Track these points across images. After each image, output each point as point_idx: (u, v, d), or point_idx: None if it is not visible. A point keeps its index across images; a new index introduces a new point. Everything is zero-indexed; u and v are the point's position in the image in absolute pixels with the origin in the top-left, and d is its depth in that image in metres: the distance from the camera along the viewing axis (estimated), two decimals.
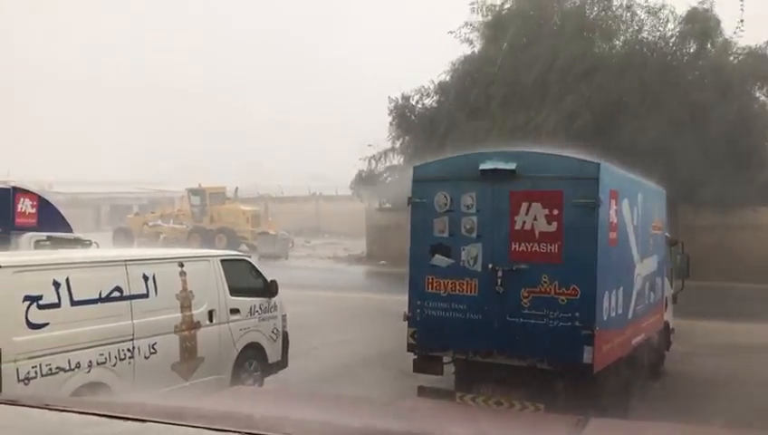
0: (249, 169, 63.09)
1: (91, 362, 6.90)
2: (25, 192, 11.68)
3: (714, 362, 12.25)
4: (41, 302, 6.60)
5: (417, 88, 29.55)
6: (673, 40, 26.41)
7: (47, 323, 6.62)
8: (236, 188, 40.61)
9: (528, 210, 7.31)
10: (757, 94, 26.92)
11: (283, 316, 9.76)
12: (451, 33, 28.71)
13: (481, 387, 7.73)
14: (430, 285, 7.79)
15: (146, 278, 7.60)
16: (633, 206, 8.52)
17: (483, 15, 28.29)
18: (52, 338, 6.61)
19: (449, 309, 7.68)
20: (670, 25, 26.31)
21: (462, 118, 26.24)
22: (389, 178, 31.37)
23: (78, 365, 6.78)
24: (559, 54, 24.90)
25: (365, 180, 32.78)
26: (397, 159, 31.15)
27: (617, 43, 27.15)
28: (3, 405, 2.69)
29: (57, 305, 6.73)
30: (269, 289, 9.51)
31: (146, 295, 7.57)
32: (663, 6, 26.22)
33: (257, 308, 9.25)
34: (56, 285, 6.75)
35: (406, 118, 29.72)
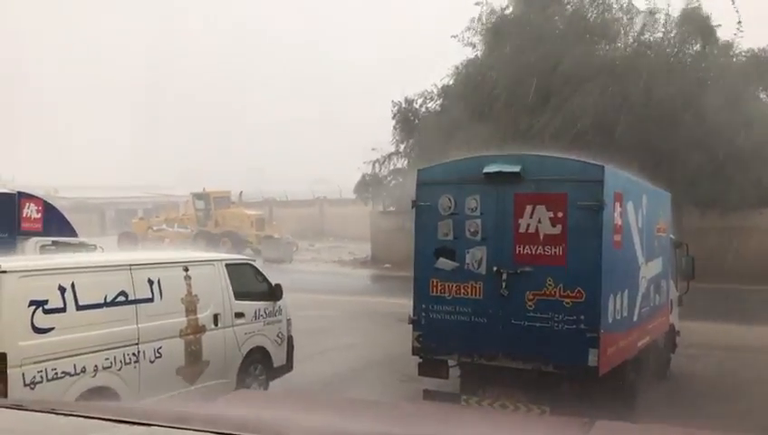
0: (253, 174, 63.13)
1: (96, 366, 6.91)
2: (31, 197, 11.72)
3: (720, 365, 12.22)
4: (46, 306, 6.63)
5: (420, 92, 29.63)
6: (673, 42, 26.41)
7: (53, 328, 6.65)
8: (241, 193, 40.68)
9: (532, 213, 7.31)
10: (761, 96, 26.90)
11: (288, 320, 9.77)
12: (454, 37, 28.76)
13: (486, 390, 7.73)
14: (435, 289, 7.78)
15: (151, 282, 7.62)
16: (638, 208, 8.50)
17: (483, 23, 28.35)
18: (57, 342, 6.63)
19: (454, 312, 7.67)
20: (669, 27, 26.32)
21: (465, 121, 26.25)
22: (393, 182, 31.43)
23: (83, 370, 6.80)
24: (562, 58, 24.91)
25: (369, 184, 32.85)
26: (401, 163, 31.22)
27: (619, 45, 27.17)
28: (9, 410, 2.70)
29: (63, 310, 6.75)
30: (274, 293, 9.52)
31: (151, 300, 7.59)
32: (659, 10, 26.29)
33: (262, 312, 9.26)
34: (62, 289, 6.77)
35: (409, 122, 29.77)
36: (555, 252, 7.24)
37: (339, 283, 25.97)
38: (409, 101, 29.75)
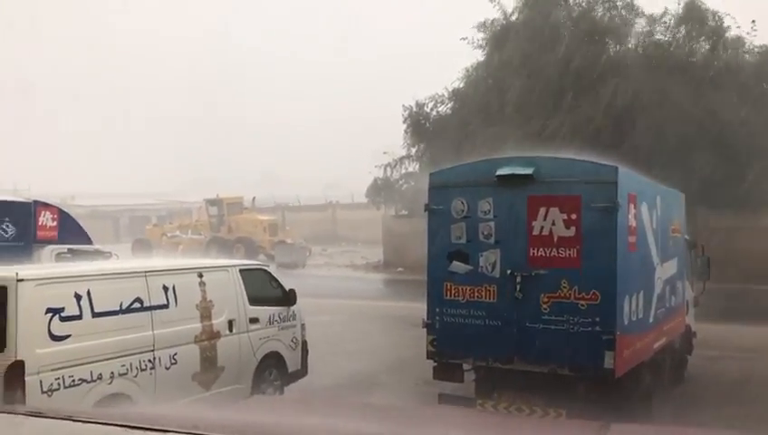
0: (266, 179, 63.40)
1: (112, 373, 6.94)
2: (46, 205, 11.80)
3: (736, 366, 12.11)
4: (63, 314, 6.67)
5: (431, 95, 29.62)
6: (683, 41, 26.27)
7: (69, 335, 6.69)
8: (254, 198, 40.80)
9: (546, 215, 7.28)
10: None
11: (302, 325, 9.78)
12: (464, 39, 28.74)
13: (502, 394, 7.70)
14: (449, 292, 7.76)
15: (166, 289, 7.65)
16: (652, 209, 8.46)
17: (489, 28, 28.31)
18: (74, 350, 6.67)
19: (468, 316, 7.65)
20: (677, 25, 26.18)
21: (477, 124, 26.24)
22: (405, 186, 31.45)
23: (100, 376, 6.83)
24: (572, 59, 24.84)
25: (381, 188, 32.89)
26: (412, 167, 31.24)
27: (629, 45, 27.07)
28: (28, 417, 2.72)
29: (79, 317, 6.79)
30: (288, 298, 9.53)
31: (166, 306, 7.62)
32: (668, 11, 26.19)
33: (276, 317, 9.28)
34: (77, 297, 6.81)
35: (420, 125, 29.77)
36: (569, 254, 7.21)
37: (352, 287, 25.98)
38: (420, 105, 29.75)
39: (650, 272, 8.58)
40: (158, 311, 7.50)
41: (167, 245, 37.03)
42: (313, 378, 9.86)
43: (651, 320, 8.47)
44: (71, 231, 11.60)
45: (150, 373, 7.31)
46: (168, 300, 7.64)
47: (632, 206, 7.61)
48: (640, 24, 26.87)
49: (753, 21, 25.18)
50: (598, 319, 7.10)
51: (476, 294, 7.61)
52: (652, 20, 26.64)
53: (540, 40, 25.97)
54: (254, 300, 8.87)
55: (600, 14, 27.19)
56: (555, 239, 7.26)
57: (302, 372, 9.71)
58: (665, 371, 9.48)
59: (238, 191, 41.16)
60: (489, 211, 7.59)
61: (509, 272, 7.45)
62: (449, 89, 29.49)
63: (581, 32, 26.24)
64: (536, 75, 25.30)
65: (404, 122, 29.79)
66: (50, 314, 6.58)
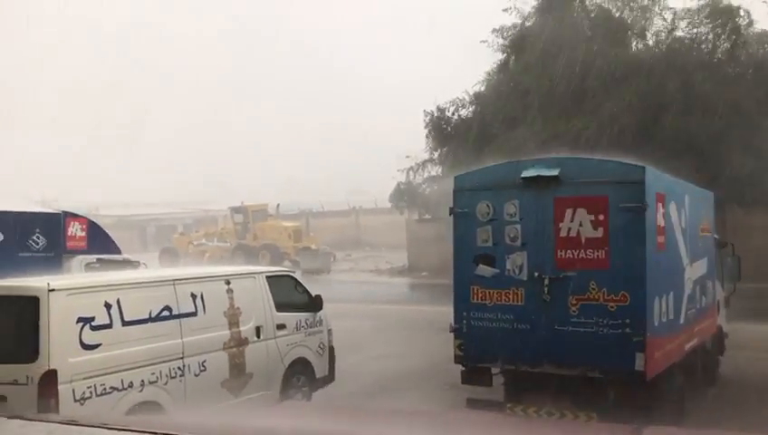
0: (291, 186, 63.70)
1: (143, 381, 7.01)
2: (75, 216, 11.96)
3: None
4: (93, 323, 6.76)
5: (452, 100, 29.55)
6: (706, 37, 25.92)
7: (100, 344, 6.77)
8: (278, 205, 41.03)
9: (573, 216, 7.23)
10: None
11: (329, 330, 9.79)
12: (484, 42, 28.65)
13: (531, 397, 7.64)
14: (476, 296, 7.73)
15: (194, 297, 7.72)
16: (680, 209, 8.36)
17: (507, 32, 28.21)
18: (105, 358, 6.75)
19: (496, 319, 7.61)
20: (699, 21, 25.85)
21: (499, 127, 26.11)
22: (428, 189, 31.37)
23: (131, 384, 6.90)
24: (594, 59, 24.64)
25: (404, 192, 32.85)
26: (435, 170, 31.18)
27: (650, 43, 26.79)
28: (63, 425, 2.75)
29: (109, 326, 6.87)
30: (314, 304, 9.55)
31: (194, 314, 7.68)
32: (688, 9, 25.88)
33: (303, 323, 9.30)
34: (108, 306, 6.90)
35: (442, 130, 29.70)
36: (598, 255, 7.14)
37: (377, 292, 25.99)
38: (441, 110, 29.68)
39: (680, 272, 8.47)
40: (186, 319, 7.57)
41: (193, 253, 37.39)
42: (341, 384, 9.86)
43: (682, 321, 8.36)
44: (100, 241, 11.75)
45: (180, 381, 7.37)
46: (196, 308, 7.71)
47: (660, 205, 7.53)
48: (661, 22, 26.60)
49: None
50: (628, 320, 7.03)
51: (504, 297, 7.57)
52: (673, 17, 26.36)
53: (559, 42, 25.80)
54: (280, 306, 8.91)
55: (618, 13, 26.96)
56: (583, 241, 7.20)
57: (330, 377, 9.72)
58: (697, 372, 9.35)
59: (262, 198, 41.43)
60: (515, 214, 7.55)
61: (536, 274, 7.40)
62: (470, 93, 29.44)
63: (599, 32, 26.02)
64: (558, 77, 25.12)
65: (425, 127, 29.77)
66: (81, 324, 6.67)
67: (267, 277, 8.99)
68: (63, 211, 11.91)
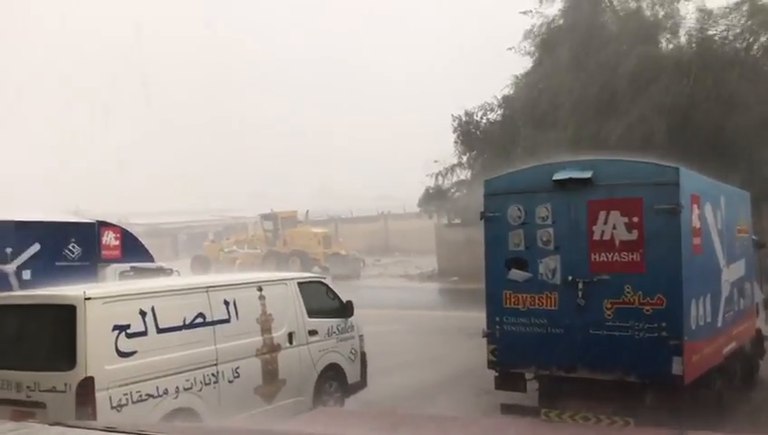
0: (320, 193, 64.00)
1: (178, 387, 7.06)
2: (109, 225, 12.13)
3: None
4: (129, 331, 6.83)
5: (480, 104, 29.45)
6: (741, 35, 25.46)
7: (135, 351, 6.84)
8: (307, 211, 41.25)
9: (606, 219, 7.15)
10: None
11: (360, 336, 9.78)
12: (510, 48, 28.49)
13: (566, 402, 7.54)
14: (508, 301, 7.67)
15: (227, 303, 7.76)
16: (716, 209, 8.23)
17: (535, 34, 27.99)
18: (140, 365, 6.82)
19: (529, 324, 7.54)
20: (734, 19, 25.39)
21: (528, 131, 25.94)
22: (457, 194, 31.27)
23: (166, 391, 6.95)
24: (623, 60, 24.36)
25: (433, 197, 32.76)
26: (464, 174, 31.07)
27: (682, 42, 26.40)
28: (102, 432, 2.77)
29: (144, 334, 6.95)
30: (345, 310, 9.55)
31: (227, 320, 7.72)
32: (725, 7, 25.42)
33: (335, 329, 9.30)
34: (142, 313, 6.97)
35: (470, 134, 29.60)
36: (632, 258, 7.05)
37: (407, 297, 25.95)
38: (469, 114, 29.59)
39: (716, 274, 8.34)
40: (220, 325, 7.61)
41: (224, 260, 37.72)
42: (373, 389, 9.84)
43: (719, 324, 8.21)
44: (133, 249, 11.89)
45: (214, 387, 7.41)
46: (229, 314, 7.75)
47: (695, 207, 7.42)
48: (693, 19, 26.21)
49: None
50: (664, 324, 6.93)
51: (537, 301, 7.51)
52: (705, 14, 25.93)
53: (588, 43, 25.56)
54: (312, 312, 8.92)
55: (648, 12, 26.63)
56: (617, 244, 7.12)
57: (362, 383, 9.70)
58: (736, 376, 9.18)
59: (292, 205, 41.68)
60: (547, 217, 7.49)
61: (570, 278, 7.33)
62: (498, 96, 29.31)
63: (629, 31, 25.71)
64: (587, 78, 24.88)
65: (454, 132, 29.70)
66: (117, 331, 6.75)
67: (299, 283, 9.01)
68: (98, 220, 12.08)
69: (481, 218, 7.99)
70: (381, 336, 13.33)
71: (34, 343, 7.06)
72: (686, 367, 6.95)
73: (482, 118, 29.70)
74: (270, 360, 8.16)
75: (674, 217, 6.94)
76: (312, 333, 8.87)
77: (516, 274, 7.62)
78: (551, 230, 7.46)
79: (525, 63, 28.78)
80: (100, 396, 6.46)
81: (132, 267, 11.35)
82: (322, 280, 10.13)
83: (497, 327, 7.76)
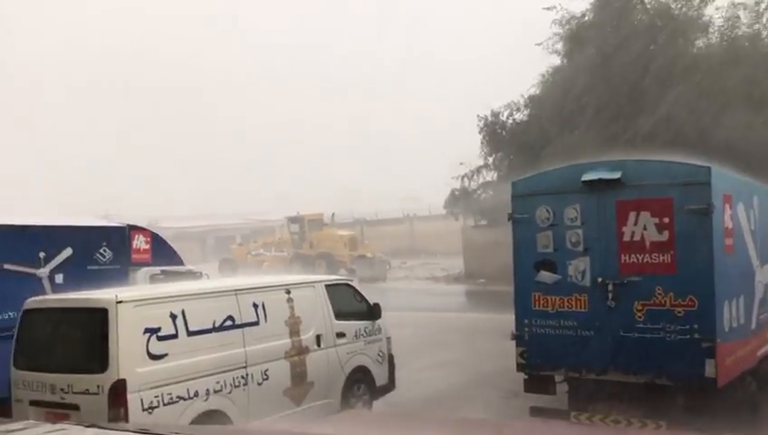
0: (346, 195, 64.24)
1: (208, 390, 7.12)
2: (139, 229, 12.22)
3: None
4: (160, 333, 6.90)
5: (506, 103, 29.28)
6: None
7: (166, 354, 6.91)
8: (333, 214, 41.37)
9: (636, 220, 7.08)
10: None
11: (388, 338, 9.78)
12: (539, 45, 28.29)
13: (596, 405, 7.48)
14: (537, 303, 7.63)
15: (256, 306, 7.82)
16: (749, 209, 8.09)
17: (563, 30, 27.75)
18: (171, 368, 6.88)
19: (559, 326, 7.49)
20: (765, 17, 25.00)
21: (555, 130, 25.73)
22: (484, 195, 31.12)
23: (196, 394, 7.01)
24: (651, 58, 24.07)
25: (459, 198, 32.65)
26: (490, 176, 30.91)
27: (712, 40, 26.02)
28: (134, 433, 2.80)
29: (175, 336, 7.01)
30: (372, 312, 9.56)
31: (256, 323, 7.77)
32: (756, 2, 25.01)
33: (362, 331, 9.32)
34: (173, 316, 7.04)
35: (497, 135, 29.44)
36: (663, 259, 6.97)
37: (434, 299, 25.89)
38: (495, 114, 29.44)
39: (750, 275, 8.20)
40: (249, 328, 7.67)
41: (252, 263, 37.98)
42: (401, 392, 9.84)
43: (753, 326, 8.09)
44: (163, 253, 11.96)
45: (244, 390, 7.46)
46: (258, 317, 7.80)
47: (727, 206, 7.31)
48: (722, 16, 25.82)
49: None
50: (696, 326, 6.83)
51: (566, 303, 7.45)
52: (735, 11, 25.55)
53: (616, 41, 25.30)
54: (339, 315, 8.95)
55: (676, 9, 26.29)
56: (647, 245, 7.04)
57: (390, 386, 9.70)
58: None
59: (317, 207, 41.85)
60: (576, 218, 7.43)
61: (600, 280, 7.27)
62: (525, 96, 29.13)
63: (657, 29, 25.41)
64: (614, 77, 24.63)
65: (480, 132, 29.57)
66: (148, 334, 6.82)
67: (326, 286, 9.05)
68: (128, 224, 12.20)
69: (509, 220, 7.96)
70: (408, 338, 13.33)
71: (68, 345, 7.17)
72: (719, 370, 6.85)
73: (508, 118, 29.54)
74: (298, 362, 8.19)
75: (705, 218, 6.85)
76: (340, 335, 8.90)
77: (545, 275, 7.58)
78: (580, 232, 7.41)
79: (553, 61, 28.60)
80: (131, 398, 6.53)
81: (163, 271, 11.43)
82: (349, 282, 10.15)
83: (526, 329, 7.72)
